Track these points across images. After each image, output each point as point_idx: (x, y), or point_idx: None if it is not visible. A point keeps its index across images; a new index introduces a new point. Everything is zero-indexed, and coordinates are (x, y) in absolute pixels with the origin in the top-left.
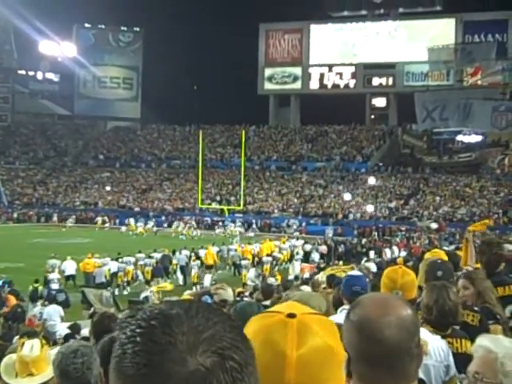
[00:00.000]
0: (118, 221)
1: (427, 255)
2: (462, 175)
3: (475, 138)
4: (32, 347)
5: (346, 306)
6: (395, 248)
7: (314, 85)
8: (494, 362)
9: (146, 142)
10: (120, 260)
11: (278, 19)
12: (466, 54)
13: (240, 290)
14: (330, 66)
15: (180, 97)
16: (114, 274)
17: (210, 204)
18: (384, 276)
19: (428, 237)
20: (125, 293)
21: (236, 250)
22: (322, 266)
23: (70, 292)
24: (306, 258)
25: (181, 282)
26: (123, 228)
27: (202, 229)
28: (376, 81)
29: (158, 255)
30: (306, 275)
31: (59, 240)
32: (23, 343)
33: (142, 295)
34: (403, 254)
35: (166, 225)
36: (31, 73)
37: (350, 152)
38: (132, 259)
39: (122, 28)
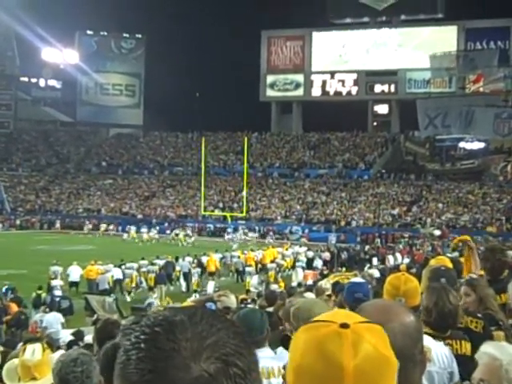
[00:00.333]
0: (120, 228)
1: (432, 262)
2: (465, 182)
3: (478, 145)
4: (34, 351)
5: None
6: (398, 255)
7: (316, 92)
8: (498, 369)
9: (149, 149)
10: (123, 267)
11: (280, 26)
12: (468, 61)
13: (243, 296)
14: (332, 73)
15: (182, 104)
16: (117, 281)
17: (212, 211)
18: (387, 283)
19: (431, 244)
20: (128, 299)
21: (239, 257)
22: (325, 272)
23: (73, 299)
24: (309, 264)
25: (183, 288)
26: (125, 235)
27: (204, 235)
28: (378, 88)
29: (161, 262)
30: (310, 282)
31: (62, 247)
32: (25, 348)
33: (147, 302)
34: (406, 260)
35: (168, 232)
36: (34, 80)
37: (352, 159)
38: (135, 266)
39: (125, 35)
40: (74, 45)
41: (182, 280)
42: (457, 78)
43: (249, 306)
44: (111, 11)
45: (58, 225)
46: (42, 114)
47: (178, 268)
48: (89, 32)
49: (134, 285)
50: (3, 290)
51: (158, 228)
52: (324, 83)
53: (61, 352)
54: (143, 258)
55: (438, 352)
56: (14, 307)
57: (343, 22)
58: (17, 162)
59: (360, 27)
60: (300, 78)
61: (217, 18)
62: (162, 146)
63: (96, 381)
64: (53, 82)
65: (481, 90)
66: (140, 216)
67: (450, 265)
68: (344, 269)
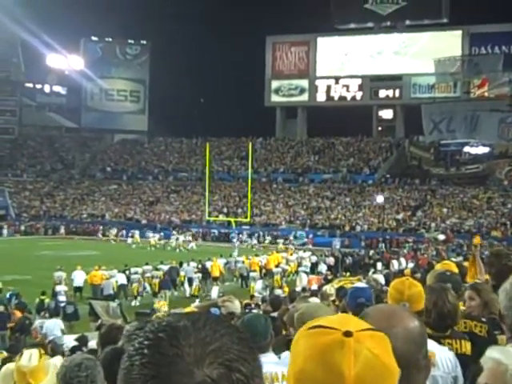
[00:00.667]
0: (124, 232)
1: (437, 266)
2: (470, 187)
3: (482, 150)
4: (30, 357)
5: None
6: (403, 259)
7: (321, 97)
8: (503, 373)
9: (153, 155)
10: (127, 272)
11: (285, 32)
12: (473, 65)
13: (247, 301)
14: (337, 79)
15: (187, 109)
16: (122, 286)
17: (217, 216)
18: (391, 287)
19: (435, 248)
20: (133, 304)
21: (243, 262)
22: (330, 277)
23: (77, 304)
24: (313, 269)
25: (188, 294)
26: (129, 240)
27: (209, 241)
28: (383, 93)
29: (165, 267)
30: (314, 287)
31: (66, 252)
32: (22, 353)
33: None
34: (410, 265)
35: (173, 237)
36: (39, 86)
37: (357, 164)
38: (140, 271)
39: (129, 41)
40: (78, 51)
41: (186, 285)
42: (461, 82)
43: (253, 311)
44: (116, 17)
45: (62, 230)
46: (47, 120)
47: (182, 273)
48: (94, 38)
49: (141, 289)
50: (7, 295)
51: (162, 233)
52: (329, 88)
53: (59, 358)
54: (147, 264)
55: (442, 356)
56: (18, 314)
57: (348, 27)
58: (21, 168)
59: (364, 32)
60: (305, 83)
61: (221, 23)
62: (166, 152)
63: None
64: (58, 88)
65: (485, 94)
66: (144, 221)
67: (456, 269)
68: (348, 274)
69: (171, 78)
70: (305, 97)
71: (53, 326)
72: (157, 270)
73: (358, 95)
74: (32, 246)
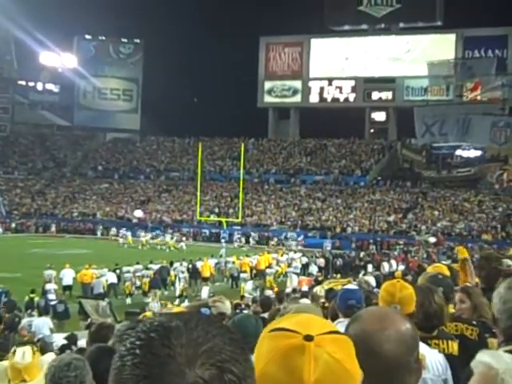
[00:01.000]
0: (114, 230)
1: (429, 269)
2: (461, 190)
3: (474, 153)
4: (24, 354)
5: (342, 319)
6: (393, 262)
7: (314, 98)
8: (494, 378)
9: (145, 154)
10: (118, 271)
11: (279, 32)
12: (466, 69)
13: (237, 301)
14: (330, 80)
15: (179, 109)
16: (112, 285)
17: (208, 216)
18: (382, 290)
19: (426, 251)
20: (126, 302)
21: (234, 263)
22: (320, 279)
23: (68, 303)
24: (304, 270)
25: (177, 293)
26: (121, 240)
27: (200, 241)
28: (376, 95)
29: (155, 267)
30: (305, 288)
31: (57, 251)
32: (15, 350)
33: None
34: (401, 267)
35: (162, 237)
36: (31, 83)
37: (348, 166)
38: (131, 269)
39: (123, 40)
40: (72, 49)
41: (177, 285)
42: (454, 85)
43: (243, 311)
44: (110, 16)
45: (53, 228)
46: (39, 118)
47: (172, 273)
48: (87, 36)
49: (134, 288)
50: None
51: (154, 233)
52: (322, 90)
53: (51, 355)
54: (138, 263)
55: (433, 359)
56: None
57: (342, 29)
58: (13, 166)
59: (358, 34)
60: (298, 84)
61: (215, 23)
62: (158, 151)
63: None
64: (50, 86)
65: (478, 98)
66: (135, 220)
67: (448, 272)
68: (339, 275)
69: (164, 77)
70: (298, 98)
71: (42, 325)
72: (147, 269)
73: (351, 97)
74: (22, 243)
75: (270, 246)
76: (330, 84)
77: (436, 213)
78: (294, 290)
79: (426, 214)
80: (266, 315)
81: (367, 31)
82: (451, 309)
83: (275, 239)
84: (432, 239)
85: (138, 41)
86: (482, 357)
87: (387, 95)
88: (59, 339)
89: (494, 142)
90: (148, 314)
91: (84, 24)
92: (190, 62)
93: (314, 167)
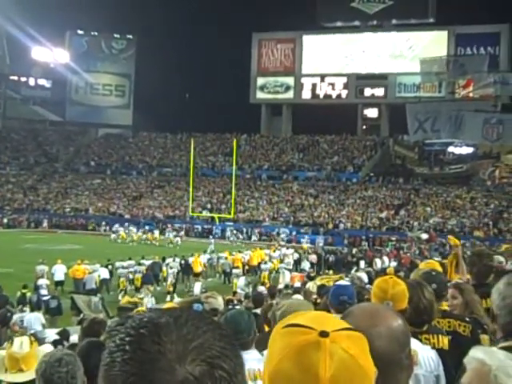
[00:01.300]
0: (107, 227)
1: (421, 265)
2: (453, 186)
3: (466, 150)
4: (22, 344)
5: (333, 315)
6: (385, 258)
7: (306, 95)
8: (487, 374)
9: (138, 150)
10: (110, 267)
11: (271, 29)
12: (458, 66)
13: (229, 297)
14: (323, 76)
15: (172, 105)
16: (104, 281)
17: (200, 212)
18: (374, 286)
19: (418, 247)
20: (120, 298)
21: (226, 259)
22: (312, 275)
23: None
24: (296, 266)
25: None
26: (113, 235)
27: (192, 236)
28: (368, 91)
29: (147, 262)
30: (297, 284)
31: (49, 246)
32: (13, 340)
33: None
34: (393, 264)
35: (156, 232)
36: (23, 79)
37: (341, 162)
38: (124, 265)
39: (115, 35)
40: (64, 44)
41: (169, 280)
42: (447, 82)
43: (236, 307)
44: (102, 11)
45: (45, 224)
46: (32, 113)
47: (164, 268)
48: (79, 32)
49: (128, 284)
50: None
51: (146, 228)
52: (314, 86)
53: (48, 346)
54: (130, 258)
55: (425, 355)
56: None
57: (334, 25)
58: (5, 161)
59: (351, 31)
60: (290, 80)
61: (208, 19)
62: (150, 147)
63: (80, 382)
64: (43, 81)
65: (470, 95)
66: (128, 216)
67: (440, 269)
68: (331, 271)
69: (157, 72)
70: (290, 94)
71: (33, 320)
72: (139, 264)
73: (344, 93)
74: (14, 239)
75: (278, 243)
76: (322, 80)
77: (428, 209)
78: (287, 286)
79: (418, 211)
80: (258, 311)
81: (359, 28)
82: (445, 306)
83: (281, 236)
84: (424, 236)
85: (130, 36)
86: (476, 353)
87: (379, 92)
88: (51, 335)
89: (486, 139)
90: (141, 309)
91: (76, 19)
92: (183, 58)
93: (306, 163)
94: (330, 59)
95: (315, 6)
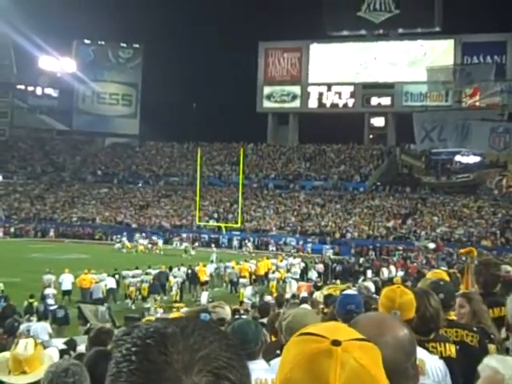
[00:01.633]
0: (114, 237)
1: (429, 275)
2: (460, 196)
3: (473, 159)
4: (26, 346)
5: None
6: (392, 267)
7: (313, 104)
8: (500, 382)
9: (144, 159)
10: (117, 276)
11: (278, 38)
12: (465, 75)
13: (236, 307)
14: (329, 85)
15: (179, 114)
16: (111, 290)
17: (207, 221)
18: (382, 296)
19: (425, 256)
20: (129, 307)
21: (233, 268)
22: (319, 284)
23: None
24: (303, 276)
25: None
26: (118, 244)
27: (199, 246)
28: (375, 100)
29: (154, 272)
30: (304, 294)
31: (56, 255)
32: (17, 342)
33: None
34: (400, 273)
35: (160, 242)
36: (30, 88)
37: (348, 171)
38: (131, 274)
39: (122, 44)
40: (71, 53)
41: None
42: (453, 91)
43: (243, 316)
44: (109, 21)
45: (52, 233)
46: (38, 122)
47: (171, 278)
48: (86, 41)
49: (138, 293)
50: None
51: (154, 238)
52: (321, 95)
53: (54, 349)
54: (137, 268)
55: (433, 365)
56: None
57: (340, 34)
58: (12, 170)
59: (357, 40)
60: (297, 89)
61: (215, 28)
62: (157, 156)
63: None
64: (49, 91)
65: (477, 103)
66: (135, 225)
67: (447, 278)
68: (338, 281)
69: (163, 82)
70: (297, 103)
71: (40, 330)
72: (146, 274)
73: (350, 102)
74: (21, 248)
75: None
76: (328, 89)
77: (435, 218)
78: (294, 296)
79: (425, 220)
80: (264, 320)
81: (366, 37)
82: (452, 315)
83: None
84: (431, 245)
85: (137, 45)
86: (490, 361)
87: (386, 101)
88: (58, 344)
89: (493, 148)
90: (149, 318)
91: (83, 28)
92: (190, 67)
93: (313, 172)
94: (337, 68)
95: (321, 15)
